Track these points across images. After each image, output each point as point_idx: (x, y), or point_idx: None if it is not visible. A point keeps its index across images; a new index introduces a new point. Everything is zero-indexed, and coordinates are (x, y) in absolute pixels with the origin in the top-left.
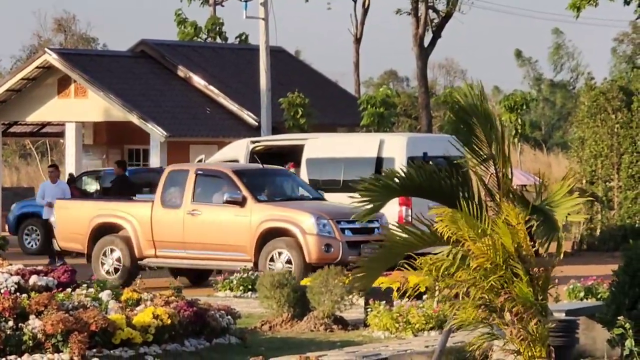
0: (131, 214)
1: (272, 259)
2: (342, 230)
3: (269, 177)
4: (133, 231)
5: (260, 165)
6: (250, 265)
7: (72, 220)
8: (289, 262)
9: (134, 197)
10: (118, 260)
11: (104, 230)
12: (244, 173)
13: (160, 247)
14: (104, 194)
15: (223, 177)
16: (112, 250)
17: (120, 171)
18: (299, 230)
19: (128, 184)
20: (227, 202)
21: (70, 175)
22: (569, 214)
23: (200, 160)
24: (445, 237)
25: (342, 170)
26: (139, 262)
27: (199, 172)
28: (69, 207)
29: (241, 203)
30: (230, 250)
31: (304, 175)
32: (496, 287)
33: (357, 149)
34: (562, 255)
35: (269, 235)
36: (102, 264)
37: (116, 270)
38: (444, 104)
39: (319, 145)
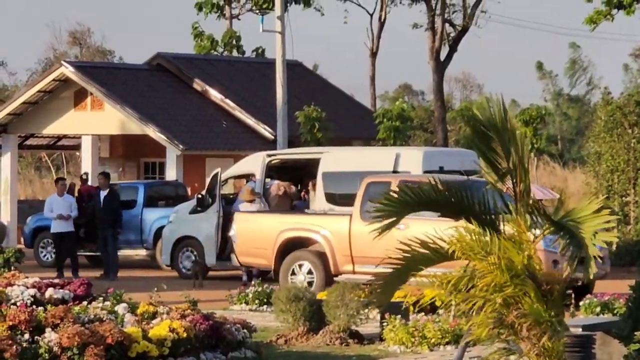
0: (326, 228)
1: None
2: None
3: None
4: (328, 246)
5: (465, 177)
6: None
7: (255, 234)
8: None
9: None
10: (310, 275)
11: (292, 245)
12: (452, 185)
13: (359, 262)
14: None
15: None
16: (300, 266)
17: (107, 183)
18: None
19: (119, 198)
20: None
21: (86, 174)
22: (596, 232)
23: (215, 175)
24: (457, 255)
25: (358, 184)
26: (334, 278)
27: (403, 183)
28: (251, 220)
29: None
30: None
31: (319, 190)
32: (509, 302)
33: (373, 162)
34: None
35: None
36: (291, 280)
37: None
38: (460, 117)
39: (335, 159)
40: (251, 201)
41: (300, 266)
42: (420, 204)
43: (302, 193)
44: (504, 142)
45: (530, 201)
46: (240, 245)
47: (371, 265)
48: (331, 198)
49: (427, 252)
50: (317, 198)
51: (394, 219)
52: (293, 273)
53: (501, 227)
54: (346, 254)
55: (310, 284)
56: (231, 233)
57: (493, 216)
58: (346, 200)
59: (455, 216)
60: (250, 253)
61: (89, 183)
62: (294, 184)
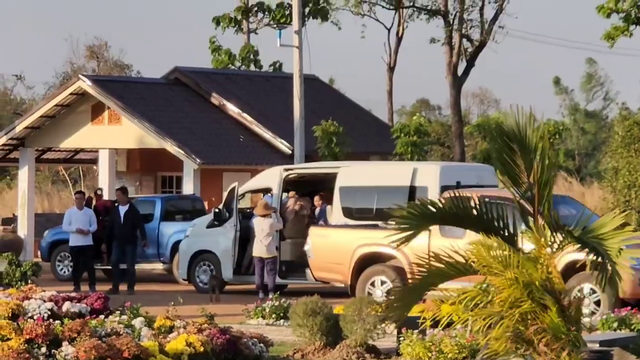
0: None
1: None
2: None
3: (562, 205)
4: (407, 261)
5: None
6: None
7: (331, 249)
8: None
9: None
10: (388, 292)
11: (369, 260)
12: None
13: None
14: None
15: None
16: (381, 282)
17: (126, 199)
18: None
19: (138, 213)
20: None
21: (100, 189)
22: (621, 249)
23: (232, 189)
24: (479, 271)
25: (375, 199)
26: None
27: (483, 197)
28: (327, 235)
29: None
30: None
31: (336, 204)
32: (526, 317)
33: (390, 177)
34: (619, 294)
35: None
36: (369, 294)
37: None
38: (477, 132)
39: (352, 174)
40: (265, 215)
41: (381, 282)
42: (442, 218)
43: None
44: (527, 156)
45: (552, 217)
46: (315, 260)
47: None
48: (348, 212)
49: (442, 266)
50: (334, 212)
51: (414, 231)
52: (372, 286)
53: (520, 242)
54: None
55: None
56: (306, 248)
57: (512, 231)
58: (363, 214)
59: (477, 230)
60: (325, 268)
61: (104, 198)
62: (311, 198)
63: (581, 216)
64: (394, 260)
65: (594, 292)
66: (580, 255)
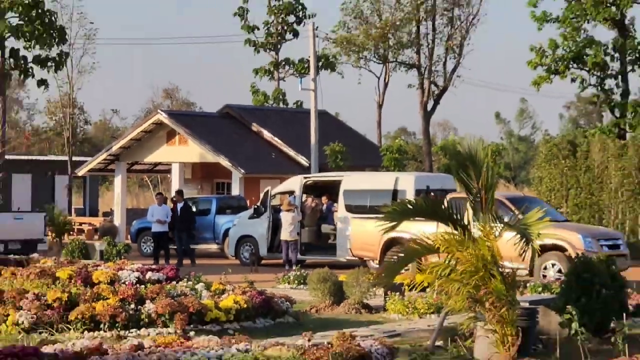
0: (414, 229)
1: (545, 268)
2: (601, 246)
3: (530, 204)
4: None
5: (522, 194)
6: (525, 272)
7: (366, 235)
8: (559, 271)
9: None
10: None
11: (392, 243)
12: (515, 200)
13: None
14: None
15: (499, 204)
16: (550, 265)
17: (182, 199)
18: (569, 246)
19: (192, 211)
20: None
21: (179, 191)
22: (539, 234)
23: (267, 192)
24: (442, 249)
25: (369, 199)
26: None
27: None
28: (364, 224)
29: None
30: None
31: (341, 202)
32: (478, 284)
33: (379, 183)
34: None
35: (543, 250)
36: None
37: None
38: (440, 151)
39: (352, 181)
40: (289, 210)
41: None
42: (416, 213)
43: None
44: (477, 169)
45: (493, 211)
46: (354, 242)
47: None
48: (349, 208)
49: (418, 247)
50: (339, 208)
51: (397, 222)
52: None
53: (472, 229)
54: None
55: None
56: (347, 233)
57: (466, 222)
58: (359, 209)
59: (441, 221)
60: (362, 248)
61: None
62: (322, 198)
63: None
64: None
65: (553, 265)
66: (549, 241)
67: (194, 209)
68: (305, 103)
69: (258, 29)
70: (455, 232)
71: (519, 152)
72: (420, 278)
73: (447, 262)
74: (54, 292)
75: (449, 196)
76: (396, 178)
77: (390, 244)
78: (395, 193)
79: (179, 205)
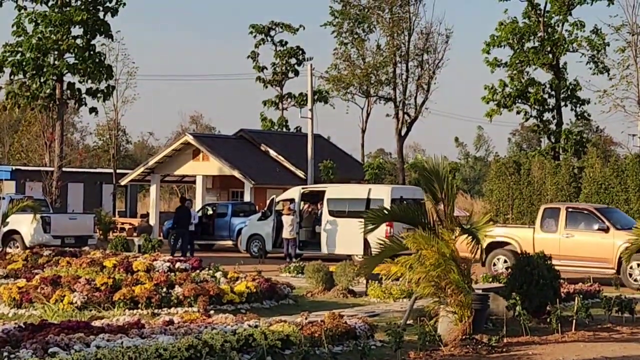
0: (517, 235)
1: (631, 267)
2: None
3: (615, 213)
4: (518, 246)
5: (595, 206)
6: (612, 272)
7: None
8: (505, 262)
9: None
10: (505, 265)
11: (494, 245)
12: (602, 210)
13: None
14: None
15: (590, 214)
16: (498, 259)
17: (182, 204)
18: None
19: (188, 212)
20: (598, 230)
21: (184, 199)
22: (486, 234)
23: (272, 199)
24: (411, 248)
25: (347, 205)
26: None
27: (569, 208)
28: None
29: (606, 230)
30: (597, 262)
31: (325, 208)
32: (441, 275)
33: (357, 193)
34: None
35: (494, 247)
36: (494, 265)
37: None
38: (411, 169)
39: (336, 191)
40: (289, 214)
41: (498, 259)
42: (392, 217)
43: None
44: (440, 182)
45: (452, 216)
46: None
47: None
48: (332, 213)
49: (392, 244)
50: (324, 213)
51: (376, 224)
52: (492, 263)
53: (437, 231)
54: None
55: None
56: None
57: (432, 224)
58: (340, 214)
59: (411, 224)
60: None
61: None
62: (317, 205)
63: (469, 217)
64: (510, 246)
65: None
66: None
67: (210, 212)
68: (303, 128)
69: (267, 68)
70: (424, 232)
71: (475, 170)
72: (395, 269)
73: (416, 257)
74: (102, 277)
75: (543, 207)
76: (369, 189)
77: (491, 247)
78: (368, 201)
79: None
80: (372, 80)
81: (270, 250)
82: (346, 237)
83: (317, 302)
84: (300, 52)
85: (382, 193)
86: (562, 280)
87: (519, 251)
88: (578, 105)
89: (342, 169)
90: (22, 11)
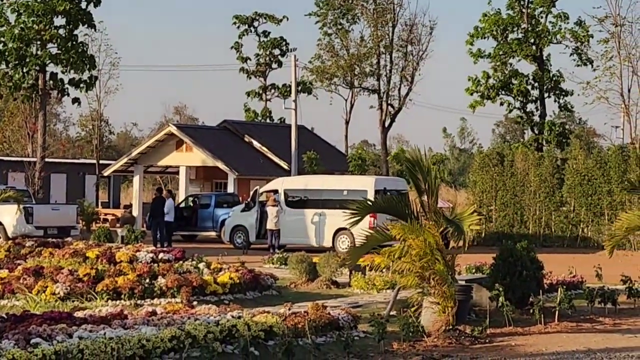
0: None
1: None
2: None
3: None
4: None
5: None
6: None
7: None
8: None
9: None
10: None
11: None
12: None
13: None
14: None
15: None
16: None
17: (157, 194)
18: None
19: (163, 202)
20: None
21: (160, 189)
22: (470, 225)
23: (256, 190)
24: (397, 237)
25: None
26: None
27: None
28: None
29: None
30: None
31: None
32: (426, 265)
33: (344, 184)
34: (466, 248)
35: None
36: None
37: None
38: (395, 160)
39: (315, 181)
40: (273, 205)
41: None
42: (376, 209)
43: None
44: (423, 174)
45: (436, 208)
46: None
47: None
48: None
49: (376, 235)
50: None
51: (361, 216)
52: None
53: (422, 222)
54: None
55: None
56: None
57: (416, 215)
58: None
59: (396, 216)
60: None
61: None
62: None
63: (452, 209)
64: None
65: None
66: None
67: (192, 204)
68: (287, 119)
69: (250, 59)
70: (407, 223)
71: (459, 162)
72: (379, 260)
73: (401, 247)
74: (84, 268)
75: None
76: (359, 179)
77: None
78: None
79: (159, 200)
80: (356, 72)
81: (254, 241)
82: (327, 228)
83: (300, 293)
84: (284, 43)
85: (366, 184)
86: (545, 272)
87: None
88: (561, 97)
89: (325, 160)
90: (5, 1)
